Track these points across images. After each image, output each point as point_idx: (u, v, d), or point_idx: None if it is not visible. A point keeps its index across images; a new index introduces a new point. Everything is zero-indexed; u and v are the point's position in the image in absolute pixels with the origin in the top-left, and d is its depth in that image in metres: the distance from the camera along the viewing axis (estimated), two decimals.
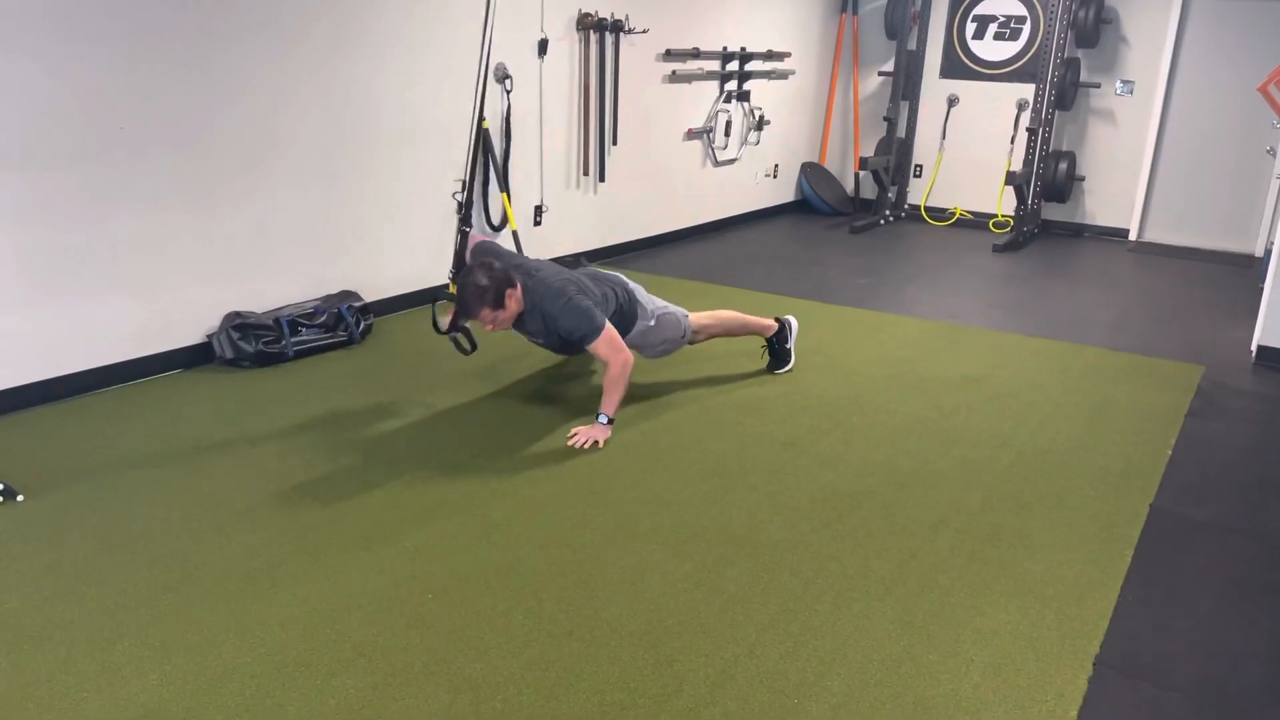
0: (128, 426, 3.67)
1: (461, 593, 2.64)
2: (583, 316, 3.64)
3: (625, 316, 3.90)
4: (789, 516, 3.12)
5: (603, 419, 3.67)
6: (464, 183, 3.94)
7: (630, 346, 3.87)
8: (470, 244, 4.00)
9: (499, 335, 3.85)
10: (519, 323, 3.74)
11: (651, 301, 4.06)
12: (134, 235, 3.98)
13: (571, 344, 3.76)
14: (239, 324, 4.29)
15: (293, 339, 4.40)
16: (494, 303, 3.55)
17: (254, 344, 4.28)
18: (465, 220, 3.93)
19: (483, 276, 3.54)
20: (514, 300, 3.61)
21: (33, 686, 2.23)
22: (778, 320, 4.44)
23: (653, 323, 4.00)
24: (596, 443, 3.59)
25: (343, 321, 4.62)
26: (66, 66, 3.65)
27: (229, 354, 4.27)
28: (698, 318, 4.18)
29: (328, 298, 4.72)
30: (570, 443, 3.59)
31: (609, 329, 3.68)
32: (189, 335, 4.28)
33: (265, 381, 4.17)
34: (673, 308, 4.11)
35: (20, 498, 3.07)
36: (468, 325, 3.75)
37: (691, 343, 4.21)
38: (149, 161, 3.97)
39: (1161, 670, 2.43)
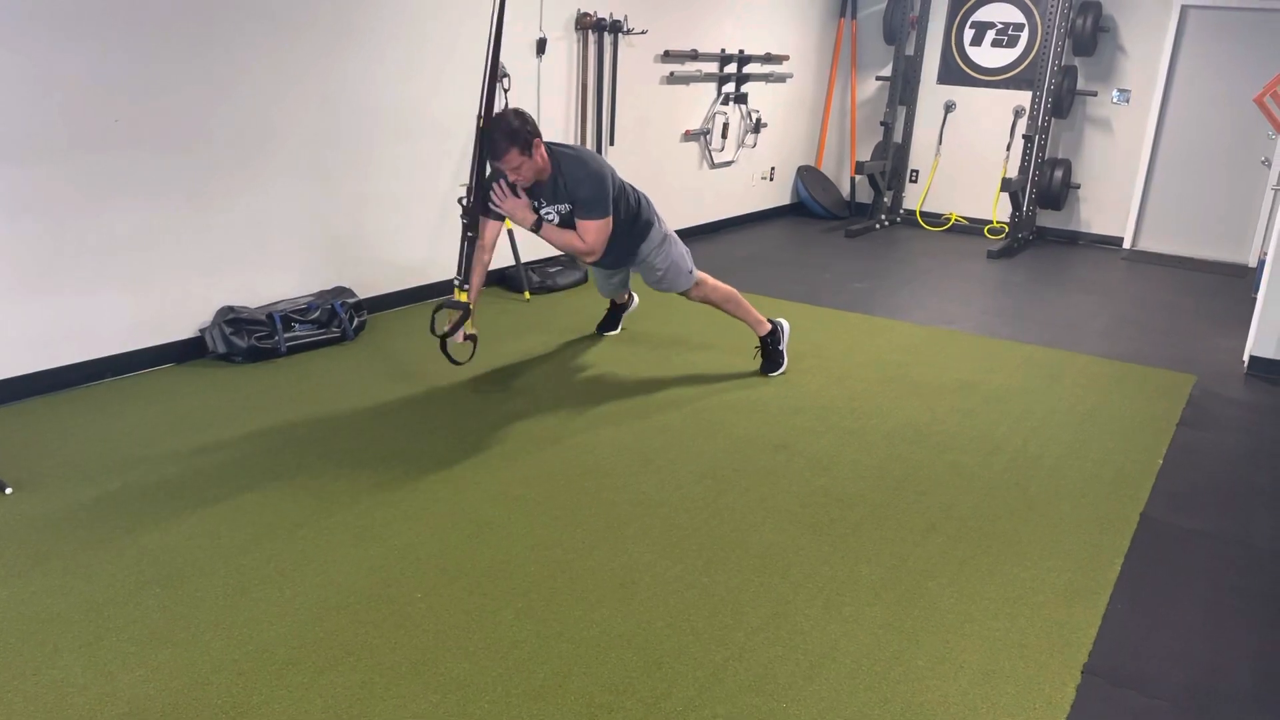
0: (119, 420, 3.65)
1: (451, 592, 2.63)
2: (601, 192, 3.76)
3: (640, 218, 4.02)
4: (780, 519, 3.12)
5: (537, 211, 3.82)
6: (469, 186, 3.91)
7: (640, 254, 4.09)
8: (476, 254, 3.97)
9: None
10: (535, 189, 3.80)
11: (667, 228, 4.21)
12: (128, 228, 3.97)
13: (570, 216, 3.83)
14: (232, 319, 4.28)
15: (286, 335, 4.39)
16: (523, 146, 3.61)
17: (247, 339, 4.27)
18: (471, 226, 3.88)
19: (515, 120, 3.61)
20: (540, 155, 3.68)
21: (19, 680, 2.22)
22: (771, 322, 4.44)
23: (664, 237, 4.13)
24: (512, 216, 3.81)
25: (336, 318, 4.61)
26: (61, 59, 3.64)
27: (221, 349, 4.26)
28: (704, 276, 4.30)
29: (322, 293, 4.70)
30: (491, 201, 3.78)
31: (607, 223, 3.80)
32: (182, 329, 4.26)
33: (257, 377, 4.16)
34: (685, 250, 4.28)
35: (9, 490, 3.05)
36: (498, 200, 3.83)
37: (688, 295, 4.29)
38: (144, 155, 3.96)
39: (1149, 678, 2.43)
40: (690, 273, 4.23)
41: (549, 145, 3.78)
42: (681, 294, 4.30)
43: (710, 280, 4.32)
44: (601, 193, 3.77)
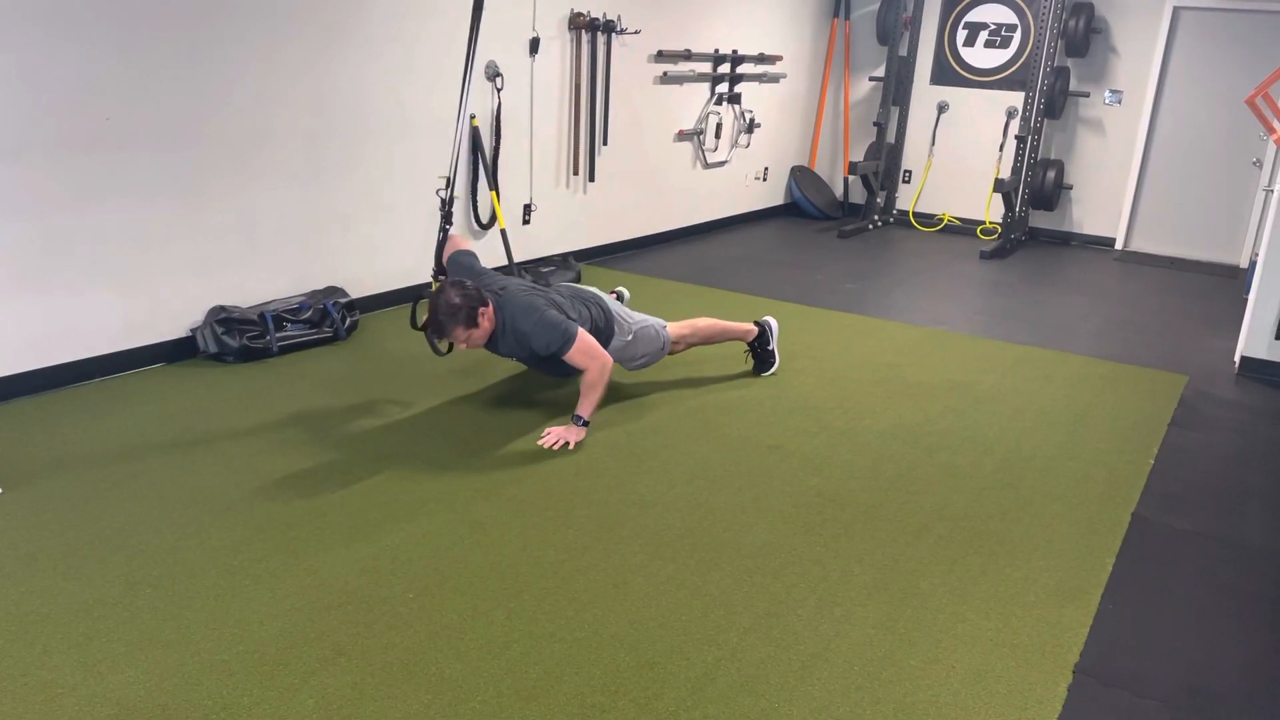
0: (109, 420, 3.64)
1: (442, 592, 2.63)
2: (554, 330, 3.62)
3: (601, 334, 3.87)
4: (772, 520, 3.12)
5: (578, 420, 3.65)
6: (448, 180, 3.94)
7: (611, 350, 3.87)
8: (449, 246, 3.99)
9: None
10: (491, 342, 3.72)
11: (629, 316, 4.04)
12: (119, 228, 3.95)
13: (549, 361, 3.73)
14: (223, 318, 4.26)
15: (277, 334, 4.38)
16: (467, 321, 3.54)
17: (238, 339, 4.26)
18: (448, 219, 3.94)
19: (456, 295, 3.53)
20: (486, 319, 3.60)
21: (8, 680, 2.21)
22: (757, 324, 4.44)
23: (630, 338, 3.98)
24: (568, 444, 3.58)
25: (328, 318, 4.60)
26: (53, 57, 3.62)
27: (213, 348, 4.25)
28: (676, 328, 4.16)
29: (314, 293, 4.69)
30: (542, 443, 3.58)
31: (582, 336, 3.66)
32: (173, 329, 4.25)
33: (249, 377, 4.15)
34: (650, 319, 4.09)
35: None
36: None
37: (671, 353, 4.20)
38: (135, 154, 3.94)
39: (1140, 678, 2.44)
40: (663, 348, 4.10)
41: (487, 291, 3.67)
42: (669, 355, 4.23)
43: (683, 331, 4.18)
44: (554, 329, 3.62)
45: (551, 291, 3.87)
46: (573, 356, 3.64)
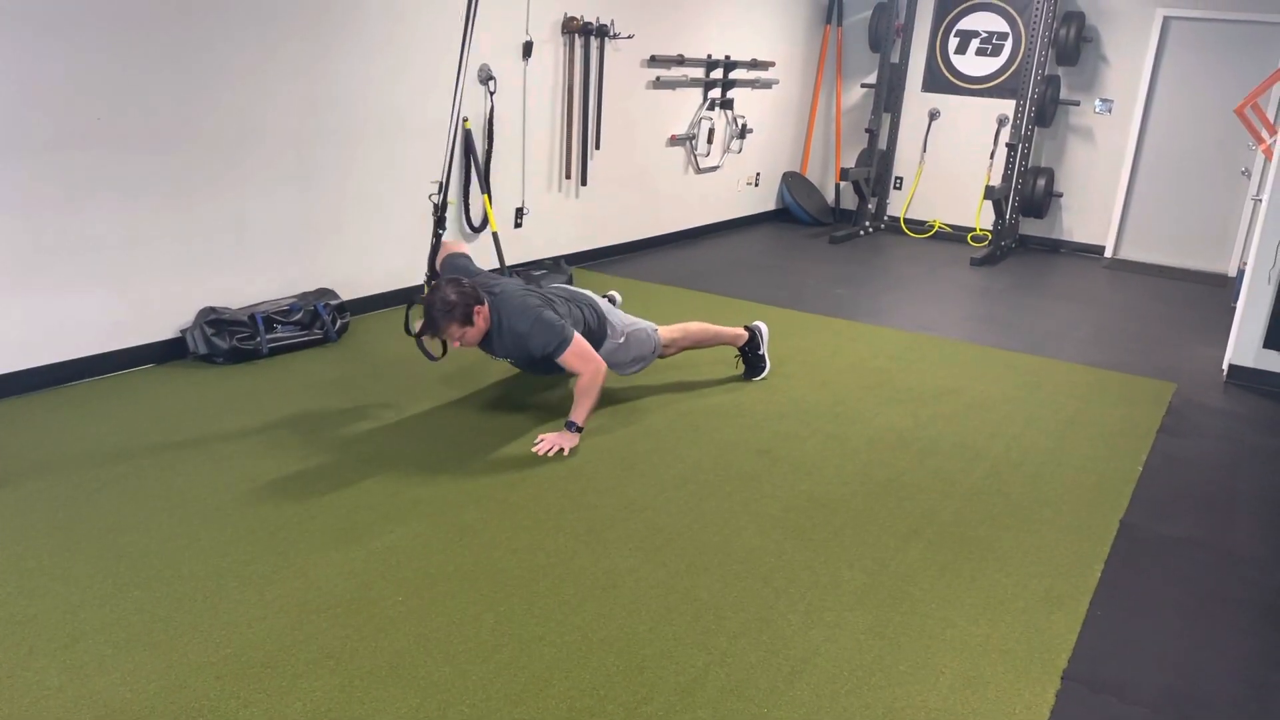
0: (98, 421, 3.62)
1: (432, 595, 2.62)
2: (550, 331, 3.62)
3: (594, 335, 3.86)
4: (763, 524, 3.12)
5: (571, 426, 3.65)
6: (441, 184, 3.94)
7: (602, 353, 3.86)
8: (442, 251, 3.98)
9: (472, 349, 3.83)
10: (486, 342, 3.71)
11: (621, 319, 4.04)
12: (109, 228, 3.94)
13: (542, 362, 3.73)
14: (214, 319, 4.25)
15: (268, 336, 4.36)
16: (462, 319, 3.54)
17: (228, 340, 4.24)
18: (441, 223, 3.92)
19: (451, 293, 3.52)
20: (481, 317, 3.60)
21: None
22: (747, 329, 4.44)
23: (622, 340, 3.98)
24: (562, 450, 3.58)
25: (319, 319, 4.59)
26: (43, 56, 3.61)
27: (203, 350, 4.23)
28: (667, 332, 4.16)
29: (304, 295, 4.68)
30: (536, 450, 3.57)
31: (578, 340, 3.67)
32: (163, 330, 4.23)
33: (239, 378, 4.13)
34: (641, 323, 4.09)
35: None
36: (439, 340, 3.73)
37: (662, 356, 4.19)
38: (125, 154, 3.93)
39: (1128, 684, 2.45)
40: (655, 350, 4.09)
41: (482, 290, 3.67)
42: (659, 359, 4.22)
43: (674, 335, 4.18)
44: (550, 330, 3.62)
45: (545, 292, 3.87)
46: (567, 359, 3.64)
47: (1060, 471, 3.67)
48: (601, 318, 3.94)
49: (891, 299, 6.31)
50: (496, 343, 3.72)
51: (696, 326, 4.30)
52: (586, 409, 3.66)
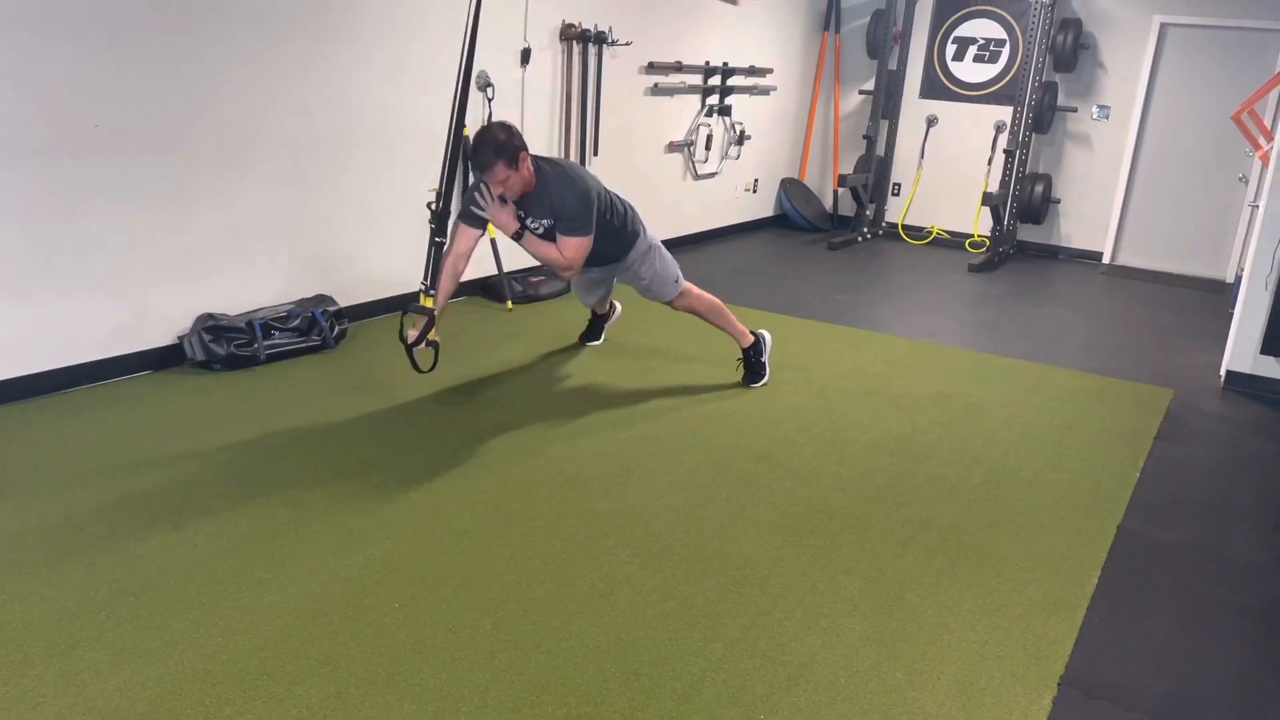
0: (95, 427, 3.62)
1: (428, 602, 2.62)
2: (585, 211, 3.77)
3: (627, 233, 4.04)
4: (760, 530, 3.12)
5: (526, 221, 3.82)
6: (439, 191, 3.94)
7: (627, 261, 4.13)
8: (445, 261, 3.97)
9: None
10: (525, 202, 3.79)
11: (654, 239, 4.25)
12: (106, 234, 3.94)
13: (552, 227, 3.83)
14: (211, 326, 4.25)
15: (265, 342, 4.36)
16: (510, 160, 3.59)
17: (226, 346, 4.24)
18: (440, 231, 3.92)
19: (502, 133, 3.59)
20: (527, 169, 3.66)
21: None
22: (754, 334, 4.45)
23: (648, 247, 4.16)
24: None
25: (316, 326, 4.59)
26: (39, 61, 3.61)
27: (200, 356, 4.23)
28: (691, 286, 4.33)
29: (302, 301, 4.68)
30: (476, 207, 3.76)
31: (587, 241, 3.81)
32: (160, 336, 4.23)
33: (236, 384, 4.13)
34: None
35: None
36: (482, 204, 3.80)
37: (673, 304, 4.31)
38: (123, 159, 3.93)
39: (1125, 691, 2.44)
40: (676, 282, 4.26)
41: (535, 159, 3.78)
42: (667, 303, 4.31)
43: (695, 290, 4.34)
44: (586, 211, 3.78)
45: (600, 188, 3.96)
46: (566, 239, 3.79)
47: (1057, 477, 3.67)
48: (638, 219, 4.14)
49: (889, 305, 6.31)
50: (536, 206, 3.79)
51: (718, 301, 4.41)
52: (535, 247, 3.84)
